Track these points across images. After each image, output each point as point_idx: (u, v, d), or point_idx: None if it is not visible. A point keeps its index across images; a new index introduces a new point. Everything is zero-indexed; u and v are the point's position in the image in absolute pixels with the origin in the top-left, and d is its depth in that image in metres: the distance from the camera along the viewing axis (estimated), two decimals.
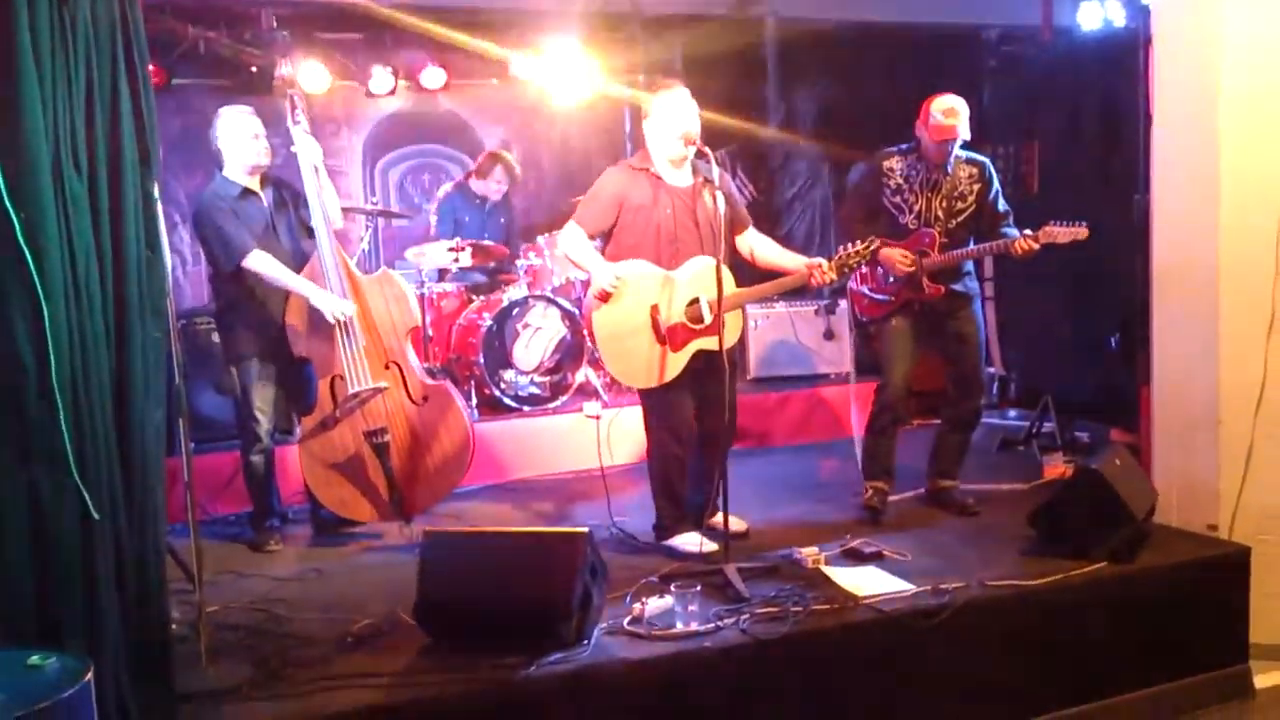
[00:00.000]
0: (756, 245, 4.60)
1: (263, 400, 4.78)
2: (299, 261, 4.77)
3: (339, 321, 4.60)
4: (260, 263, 4.62)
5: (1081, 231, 4.54)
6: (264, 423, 4.80)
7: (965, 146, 4.77)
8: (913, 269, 4.69)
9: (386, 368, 4.75)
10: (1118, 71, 6.09)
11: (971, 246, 4.77)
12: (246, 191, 4.74)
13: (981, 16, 8.07)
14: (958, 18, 8.01)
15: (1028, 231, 4.61)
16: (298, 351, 4.73)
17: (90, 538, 2.77)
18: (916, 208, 4.75)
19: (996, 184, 4.85)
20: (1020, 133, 7.45)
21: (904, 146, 4.83)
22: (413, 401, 4.75)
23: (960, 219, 4.78)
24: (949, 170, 4.73)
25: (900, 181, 4.77)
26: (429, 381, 4.85)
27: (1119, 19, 6.98)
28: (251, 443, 4.81)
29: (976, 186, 4.78)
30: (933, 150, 4.69)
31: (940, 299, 4.77)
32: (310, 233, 4.75)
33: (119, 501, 2.89)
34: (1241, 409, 4.25)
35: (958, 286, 4.81)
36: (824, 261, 4.34)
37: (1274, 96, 4.18)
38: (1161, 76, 4.48)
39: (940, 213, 4.74)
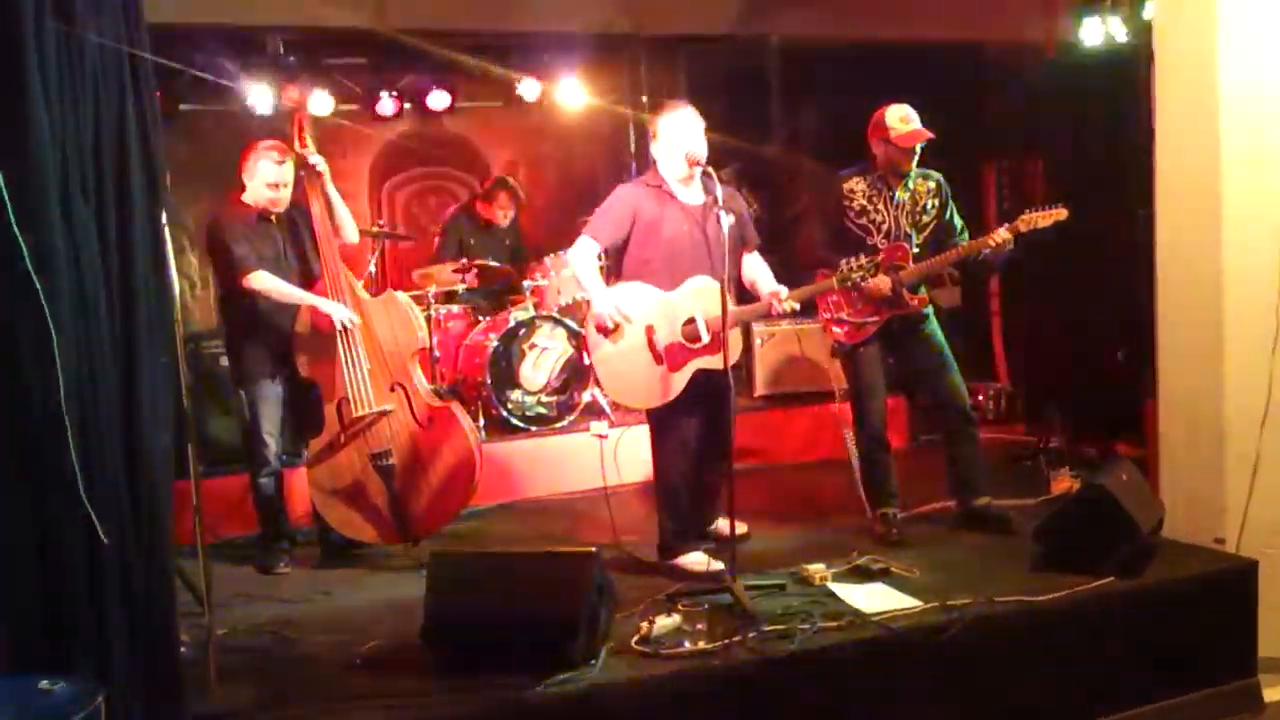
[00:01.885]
0: (746, 265, 4.63)
1: (270, 423, 4.80)
2: (311, 284, 4.80)
3: (344, 338, 4.62)
4: (263, 281, 4.66)
5: (1061, 212, 4.51)
6: (272, 445, 4.82)
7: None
8: (891, 292, 4.63)
9: (392, 390, 4.76)
10: (1121, 87, 6.11)
11: (948, 252, 4.69)
12: (261, 218, 4.78)
13: (985, 33, 8.09)
14: (961, 35, 8.03)
15: (1006, 224, 4.59)
16: (305, 374, 4.75)
17: (99, 562, 2.78)
18: (885, 227, 4.71)
19: (951, 199, 4.84)
20: (1024, 149, 7.47)
21: (861, 166, 4.78)
22: (418, 424, 4.76)
23: (925, 233, 4.77)
24: (909, 185, 4.72)
25: (864, 203, 4.72)
26: (435, 403, 4.85)
27: (1122, 35, 6.99)
28: (260, 466, 4.83)
29: (936, 201, 4.78)
30: (901, 158, 4.64)
31: (911, 315, 4.71)
32: None
33: (127, 526, 2.90)
34: (1247, 422, 4.24)
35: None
36: (783, 289, 4.39)
37: (1274, 110, 4.18)
38: (1163, 92, 4.49)
39: (908, 228, 4.73)
